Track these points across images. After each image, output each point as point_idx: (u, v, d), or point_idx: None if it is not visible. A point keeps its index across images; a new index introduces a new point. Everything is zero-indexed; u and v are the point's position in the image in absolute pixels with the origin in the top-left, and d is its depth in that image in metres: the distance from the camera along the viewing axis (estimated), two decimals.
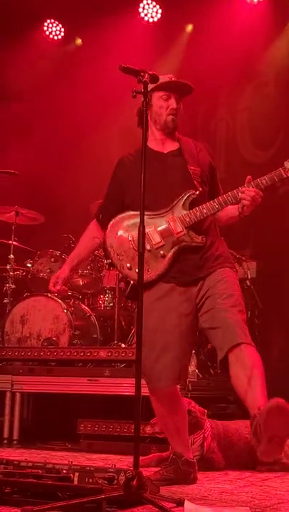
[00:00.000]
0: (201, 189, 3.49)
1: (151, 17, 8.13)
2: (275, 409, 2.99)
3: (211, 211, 3.44)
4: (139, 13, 8.12)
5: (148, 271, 3.48)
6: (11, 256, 6.50)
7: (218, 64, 7.70)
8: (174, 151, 3.65)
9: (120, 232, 3.55)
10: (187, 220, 3.44)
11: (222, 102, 7.69)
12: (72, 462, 2.98)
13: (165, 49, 7.99)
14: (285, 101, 7.49)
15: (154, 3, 8.09)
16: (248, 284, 6.57)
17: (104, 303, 6.53)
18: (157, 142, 3.67)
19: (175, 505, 2.89)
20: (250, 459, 4.38)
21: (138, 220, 3.17)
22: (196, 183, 3.51)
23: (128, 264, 3.53)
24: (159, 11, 8.10)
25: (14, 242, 6.58)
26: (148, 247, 3.43)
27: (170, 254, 3.46)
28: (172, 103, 3.60)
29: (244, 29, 7.61)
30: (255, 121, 7.67)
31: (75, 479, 2.87)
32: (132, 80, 3.20)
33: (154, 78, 3.31)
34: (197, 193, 3.47)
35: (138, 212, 3.12)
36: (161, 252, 3.48)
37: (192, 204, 3.47)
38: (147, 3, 8.11)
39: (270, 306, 6.90)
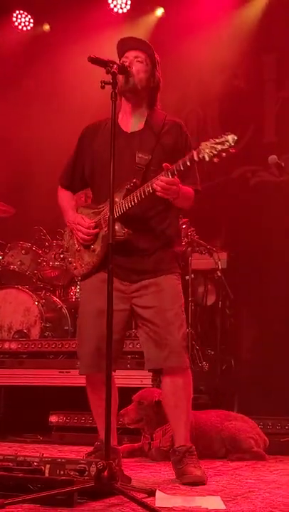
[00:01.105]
0: (135, 180, 3.34)
1: (121, 8, 8.08)
2: (191, 480, 3.31)
3: (132, 203, 3.31)
4: (109, 5, 8.07)
5: (81, 265, 3.54)
6: None
7: (188, 54, 7.70)
8: (138, 132, 3.53)
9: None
10: (107, 209, 3.36)
11: (192, 94, 7.68)
12: (43, 454, 2.97)
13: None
14: (255, 93, 7.52)
15: None
16: (219, 274, 6.59)
17: (75, 294, 6.50)
18: (124, 117, 3.57)
19: (146, 495, 2.90)
20: (221, 449, 4.43)
21: (87, 212, 3.50)
22: (138, 172, 3.39)
23: (70, 259, 3.62)
24: (128, 2, 8.05)
25: None
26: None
27: (99, 249, 3.45)
28: (124, 62, 3.43)
29: (214, 19, 7.60)
30: (226, 113, 7.69)
31: (46, 471, 2.86)
32: (102, 69, 3.19)
33: (122, 69, 3.31)
34: (131, 184, 3.33)
35: (88, 205, 3.49)
36: (92, 246, 3.49)
37: (129, 195, 3.35)
38: None
39: (241, 296, 6.93)
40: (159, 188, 3.22)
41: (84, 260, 3.52)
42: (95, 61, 3.17)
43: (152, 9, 8.00)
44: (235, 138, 3.04)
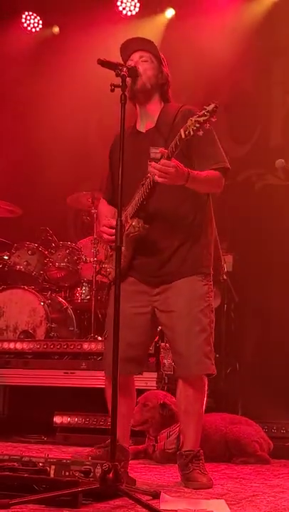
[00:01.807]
0: (149, 175, 3.27)
1: (130, 10, 8.10)
2: (197, 485, 3.31)
3: (142, 197, 3.30)
4: (117, 7, 8.08)
5: (112, 269, 3.51)
6: None
7: (196, 56, 7.71)
8: (151, 129, 3.52)
9: None
10: (129, 209, 3.37)
11: (200, 96, 7.69)
12: (48, 455, 2.98)
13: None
14: (262, 96, 7.52)
15: None
16: (225, 277, 6.59)
17: (81, 296, 6.53)
18: (140, 118, 3.57)
19: (151, 497, 2.90)
20: (226, 452, 4.42)
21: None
22: (154, 154, 3.29)
23: (106, 266, 3.64)
24: (137, 4, 8.07)
25: None
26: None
27: (124, 248, 3.37)
28: (130, 64, 3.43)
29: (221, 22, 7.61)
30: (233, 116, 7.69)
31: (52, 472, 2.87)
32: (112, 72, 3.20)
33: (132, 71, 3.32)
34: (146, 180, 3.30)
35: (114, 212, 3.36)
36: (122, 248, 3.48)
37: None
38: None
39: (246, 299, 6.93)
40: (156, 175, 3.15)
41: (114, 264, 3.46)
42: (105, 64, 3.18)
43: (161, 11, 8.00)
44: (216, 106, 3.01)
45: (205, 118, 3.01)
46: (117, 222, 2.98)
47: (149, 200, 3.33)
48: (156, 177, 3.16)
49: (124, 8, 8.08)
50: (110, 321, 3.49)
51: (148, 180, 3.26)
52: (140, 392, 4.56)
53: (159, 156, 3.19)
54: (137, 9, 8.07)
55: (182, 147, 3.21)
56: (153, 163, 3.15)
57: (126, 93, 3.12)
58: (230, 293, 6.68)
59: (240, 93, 7.70)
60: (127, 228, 3.31)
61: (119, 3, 8.06)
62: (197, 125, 3.02)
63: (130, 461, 3.88)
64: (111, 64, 3.19)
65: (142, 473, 3.79)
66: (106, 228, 3.45)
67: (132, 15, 8.09)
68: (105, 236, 3.48)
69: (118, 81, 3.12)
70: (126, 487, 2.73)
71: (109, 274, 3.59)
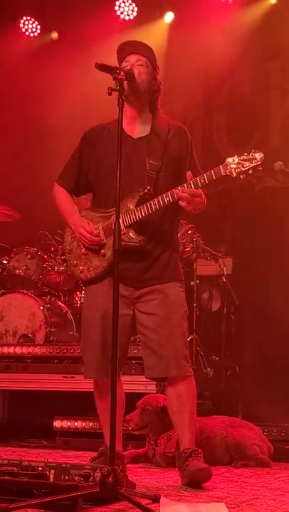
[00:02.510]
0: (149, 187, 3.36)
1: (127, 15, 8.11)
2: (198, 471, 3.34)
3: (148, 212, 3.34)
4: (116, 11, 8.10)
5: (89, 269, 3.54)
6: None
7: (194, 60, 7.72)
8: (144, 137, 3.53)
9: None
10: (127, 219, 3.38)
11: (199, 100, 7.70)
12: (47, 459, 2.98)
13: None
14: (260, 100, 7.53)
15: (129, 1, 8.07)
16: (224, 280, 6.60)
17: (80, 300, 6.51)
18: (128, 120, 3.54)
19: (151, 501, 2.90)
20: (226, 455, 4.42)
21: (92, 216, 3.51)
22: (150, 179, 3.40)
23: (75, 262, 3.61)
24: (135, 8, 8.09)
25: None
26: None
27: (109, 253, 3.44)
28: (126, 66, 3.44)
29: (219, 26, 7.63)
30: (232, 119, 7.70)
31: (51, 476, 2.87)
32: (109, 76, 3.21)
33: (129, 75, 3.33)
34: (145, 191, 3.36)
35: (92, 209, 3.53)
36: (103, 250, 3.49)
37: (142, 202, 3.36)
38: (123, 2, 8.09)
39: (245, 302, 6.93)
40: (183, 198, 3.23)
41: (92, 264, 3.52)
42: (103, 68, 3.20)
43: (160, 15, 8.01)
44: (262, 156, 3.10)
45: (250, 165, 3.11)
46: (115, 226, 3.01)
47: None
48: (181, 202, 3.23)
49: (122, 13, 8.10)
50: (88, 323, 3.55)
51: (164, 198, 3.30)
52: (140, 395, 4.57)
53: (156, 169, 3.29)
54: (134, 13, 8.09)
55: (177, 167, 3.34)
56: (185, 188, 3.22)
57: (123, 97, 3.12)
58: (230, 296, 6.69)
59: (238, 96, 7.72)
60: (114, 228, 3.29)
61: (117, 8, 8.08)
62: (242, 169, 3.12)
63: (130, 465, 3.88)
64: (108, 68, 3.21)
65: (142, 477, 3.78)
66: (86, 233, 3.48)
67: (129, 19, 8.11)
68: (84, 240, 3.50)
69: (115, 84, 3.13)
70: (126, 491, 2.73)
71: (81, 272, 3.58)
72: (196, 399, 3.59)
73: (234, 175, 3.12)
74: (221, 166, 3.16)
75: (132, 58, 3.49)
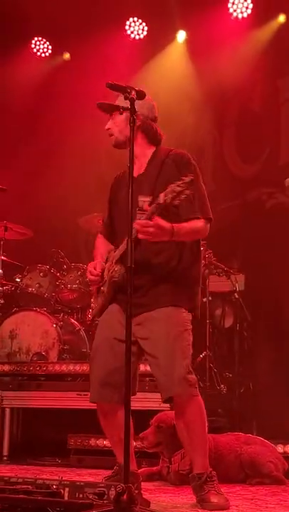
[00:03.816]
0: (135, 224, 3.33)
1: (138, 34, 8.20)
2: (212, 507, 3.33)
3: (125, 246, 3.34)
4: (126, 31, 8.18)
5: (95, 307, 3.71)
6: (0, 271, 6.50)
7: (205, 78, 7.78)
8: (141, 174, 3.57)
9: None
10: (116, 254, 3.48)
11: (209, 116, 7.74)
12: (62, 477, 2.97)
13: (152, 64, 8.06)
14: (270, 116, 7.56)
15: (139, 20, 8.16)
16: (237, 296, 6.60)
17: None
18: (136, 161, 3.57)
19: None
20: (241, 472, 4.39)
21: (112, 256, 3.56)
22: (141, 216, 3.32)
23: (92, 301, 3.81)
24: (145, 28, 8.17)
25: (3, 257, 6.58)
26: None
27: (106, 289, 3.55)
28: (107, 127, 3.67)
29: (229, 44, 7.69)
30: (242, 135, 7.74)
31: (66, 494, 2.87)
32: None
33: (140, 95, 3.34)
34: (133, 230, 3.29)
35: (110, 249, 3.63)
36: (102, 288, 3.60)
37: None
38: (133, 21, 8.17)
39: (258, 318, 6.92)
40: (138, 230, 3.21)
41: (98, 302, 3.67)
42: (114, 87, 3.22)
43: (170, 34, 8.07)
44: (191, 178, 3.15)
45: (180, 189, 3.13)
46: (127, 243, 3.04)
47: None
48: (138, 235, 3.23)
49: (132, 32, 8.18)
50: (93, 350, 3.63)
51: (134, 230, 3.28)
52: (153, 413, 4.56)
53: (146, 205, 3.27)
54: (145, 32, 8.18)
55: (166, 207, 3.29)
56: (137, 221, 3.22)
57: (134, 116, 3.15)
58: (243, 312, 6.67)
59: (248, 113, 7.76)
60: (110, 272, 3.48)
61: (127, 27, 8.16)
62: (174, 194, 3.13)
63: (144, 483, 3.87)
64: (120, 87, 3.23)
65: (157, 495, 3.77)
66: (88, 274, 3.65)
67: (140, 38, 8.19)
68: (87, 279, 3.71)
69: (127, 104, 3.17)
70: (140, 509, 2.72)
71: (92, 310, 3.79)
72: (209, 416, 3.56)
73: (169, 201, 3.14)
74: (161, 195, 3.16)
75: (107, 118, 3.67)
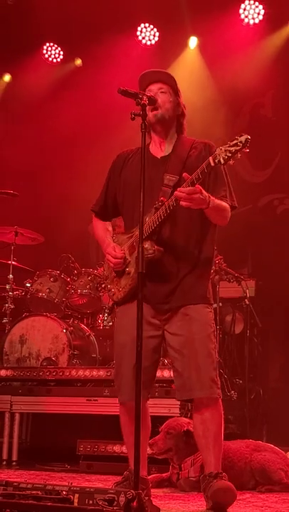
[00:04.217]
0: (162, 198, 3.37)
1: (149, 40, 8.22)
2: (221, 491, 3.28)
3: (159, 220, 3.35)
4: (137, 37, 8.21)
5: (118, 290, 3.59)
6: (10, 276, 6.51)
7: (216, 84, 7.79)
8: (165, 156, 3.59)
9: None
10: (135, 234, 3.43)
11: (219, 122, 7.75)
12: (72, 483, 2.97)
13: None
14: (281, 122, 7.55)
15: (151, 26, 8.18)
16: (247, 302, 6.58)
17: (103, 322, 6.53)
18: (155, 145, 3.65)
19: None
20: (251, 480, 4.36)
21: (122, 238, 3.54)
22: (166, 192, 3.42)
23: (109, 286, 3.68)
24: (157, 34, 8.19)
25: (13, 262, 6.59)
26: None
27: (133, 270, 3.47)
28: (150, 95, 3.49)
29: (241, 49, 7.70)
30: (253, 141, 7.72)
31: (75, 501, 2.86)
32: (131, 101, 3.25)
33: (152, 101, 3.37)
34: (159, 203, 3.37)
35: (123, 233, 3.56)
36: (127, 269, 3.53)
37: None
38: (145, 27, 8.20)
39: (269, 324, 6.91)
40: (181, 198, 3.21)
41: (121, 284, 3.56)
42: (125, 93, 3.24)
43: (182, 40, 8.08)
44: (248, 137, 3.09)
45: (237, 148, 3.09)
46: (138, 249, 3.04)
47: (163, 225, 3.39)
48: (182, 201, 3.21)
49: (143, 38, 8.21)
50: (120, 347, 3.57)
51: (166, 204, 3.33)
52: (163, 419, 4.54)
53: (172, 183, 3.28)
54: (156, 38, 8.19)
55: (199, 180, 3.27)
56: (182, 188, 3.20)
57: (146, 122, 3.16)
58: (253, 318, 6.66)
59: (259, 118, 7.75)
60: (138, 251, 3.32)
61: (138, 33, 8.18)
62: (229, 154, 3.09)
63: (154, 490, 3.85)
64: (131, 93, 3.25)
65: (166, 502, 3.75)
66: (111, 258, 3.55)
67: (151, 44, 8.21)
68: (110, 264, 3.58)
69: (138, 109, 3.17)
70: None
71: (113, 295, 3.64)
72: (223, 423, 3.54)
73: (222, 162, 3.10)
74: (210, 158, 3.16)
75: (154, 87, 3.56)
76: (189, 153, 3.54)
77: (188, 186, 3.21)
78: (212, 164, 3.14)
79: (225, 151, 3.09)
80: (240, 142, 3.08)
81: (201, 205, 3.26)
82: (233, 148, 3.08)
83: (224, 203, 3.45)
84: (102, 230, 3.80)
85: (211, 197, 3.30)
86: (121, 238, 3.63)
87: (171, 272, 3.44)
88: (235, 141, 3.09)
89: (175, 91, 3.60)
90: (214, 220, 3.47)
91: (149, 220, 3.38)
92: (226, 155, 3.09)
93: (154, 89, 3.54)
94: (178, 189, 3.22)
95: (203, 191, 3.24)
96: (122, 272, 3.55)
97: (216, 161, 3.12)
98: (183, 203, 3.22)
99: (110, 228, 3.82)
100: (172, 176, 3.46)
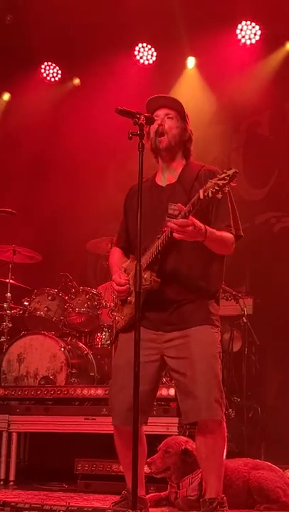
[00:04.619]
0: (164, 229, 3.34)
1: (146, 60, 8.28)
2: None
3: (157, 250, 3.35)
4: (135, 56, 8.27)
5: (122, 318, 3.59)
6: (8, 294, 6.52)
7: (212, 103, 7.85)
8: (171, 184, 3.58)
9: None
10: (143, 262, 3.38)
11: (217, 141, 7.79)
12: (69, 503, 2.96)
13: (161, 90, 8.13)
14: (278, 140, 7.60)
15: (148, 46, 8.25)
16: (245, 320, 6.59)
17: (101, 341, 6.52)
18: (160, 172, 3.64)
19: None
20: (249, 498, 4.34)
21: (132, 266, 3.42)
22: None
23: (115, 314, 3.68)
24: (154, 53, 8.25)
25: (11, 281, 6.60)
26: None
27: (134, 300, 3.41)
28: (157, 122, 3.51)
29: (238, 69, 7.77)
30: (250, 159, 7.77)
31: None
32: (129, 120, 3.27)
33: (149, 120, 3.39)
34: (162, 233, 3.35)
35: (129, 259, 3.54)
36: (129, 298, 3.52)
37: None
38: (142, 47, 8.26)
39: (267, 342, 6.90)
40: (174, 230, 3.20)
41: (123, 313, 3.56)
42: (123, 113, 3.26)
43: (179, 60, 8.14)
44: (236, 171, 3.09)
45: (224, 182, 3.08)
46: (136, 268, 3.04)
47: (163, 254, 3.38)
48: (174, 233, 3.22)
49: (141, 57, 8.27)
50: (116, 370, 3.58)
51: (164, 234, 3.33)
52: (161, 437, 4.53)
53: (176, 212, 3.27)
54: (154, 58, 8.26)
55: (201, 205, 3.27)
56: (173, 219, 3.20)
57: (143, 141, 3.19)
58: (251, 336, 6.66)
59: (256, 137, 7.80)
60: (135, 270, 3.31)
61: (136, 53, 8.25)
62: (216, 188, 3.09)
63: (152, 509, 3.83)
64: (129, 112, 3.27)
65: None
66: (114, 284, 3.55)
67: (149, 63, 8.27)
68: (115, 291, 3.58)
69: (136, 129, 3.19)
70: None
71: (117, 323, 3.65)
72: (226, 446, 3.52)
73: (210, 195, 3.10)
74: (200, 191, 3.15)
75: (162, 112, 3.57)
76: (194, 183, 3.52)
77: (181, 218, 3.20)
78: (201, 197, 3.13)
79: (214, 184, 3.10)
80: (228, 176, 3.08)
81: (195, 238, 3.25)
82: (221, 182, 3.09)
83: (226, 234, 3.42)
84: (117, 257, 3.77)
85: (209, 229, 3.29)
86: (130, 266, 3.60)
87: (172, 300, 3.43)
88: (223, 175, 3.09)
89: (182, 116, 3.60)
90: (216, 250, 3.45)
91: (151, 251, 3.38)
92: (214, 188, 3.09)
93: (160, 114, 3.56)
94: (172, 221, 3.20)
95: (197, 223, 3.21)
96: (125, 300, 3.55)
97: (205, 194, 3.12)
98: (176, 235, 3.21)
99: (122, 261, 3.75)
100: (175, 205, 3.40)
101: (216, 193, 3.09)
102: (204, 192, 3.12)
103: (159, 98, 3.61)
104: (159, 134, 3.48)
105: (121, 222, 3.81)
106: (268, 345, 6.91)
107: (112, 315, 3.76)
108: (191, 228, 3.20)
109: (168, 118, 3.56)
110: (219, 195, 3.10)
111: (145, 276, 3.34)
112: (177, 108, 3.59)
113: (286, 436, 6.18)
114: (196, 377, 3.36)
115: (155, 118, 3.49)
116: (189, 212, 3.20)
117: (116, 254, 3.80)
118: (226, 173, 3.09)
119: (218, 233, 3.37)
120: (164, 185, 3.60)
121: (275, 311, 7.03)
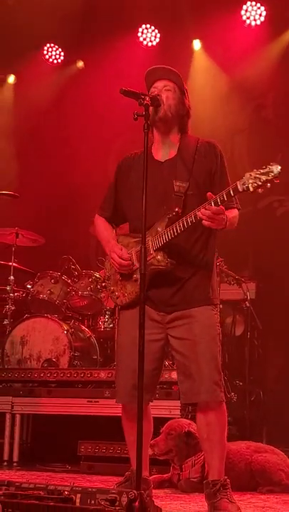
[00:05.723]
0: (177, 209, 3.34)
1: (150, 41, 8.23)
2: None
3: (174, 233, 3.31)
4: (138, 38, 8.21)
5: (124, 295, 3.55)
6: (11, 277, 6.50)
7: (216, 84, 7.81)
8: (171, 159, 3.53)
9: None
10: (155, 242, 3.37)
11: (220, 123, 7.75)
12: (74, 483, 2.97)
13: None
14: (282, 123, 7.56)
15: (152, 27, 8.19)
16: (248, 305, 6.59)
17: (104, 324, 6.53)
18: (157, 146, 3.59)
19: None
20: (251, 481, 4.37)
21: (128, 241, 3.46)
22: (178, 201, 3.39)
23: (112, 288, 3.62)
24: (158, 35, 8.20)
25: (14, 264, 6.58)
26: None
27: (138, 277, 3.36)
28: (153, 92, 3.47)
29: (243, 51, 7.71)
30: (253, 143, 7.73)
31: (77, 500, 2.86)
32: (133, 102, 3.25)
33: (154, 101, 3.36)
34: (173, 213, 3.34)
35: (128, 235, 3.50)
36: (135, 275, 3.48)
37: (171, 224, 3.34)
38: (146, 28, 8.21)
39: (269, 327, 6.91)
40: (205, 217, 3.18)
41: (127, 290, 3.53)
42: (128, 93, 3.23)
43: (183, 41, 8.07)
44: (279, 168, 3.02)
45: (268, 178, 3.03)
46: (141, 250, 3.04)
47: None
48: (204, 221, 3.19)
49: (144, 39, 8.21)
50: (120, 349, 3.58)
51: (185, 219, 3.27)
52: (164, 420, 4.55)
53: (184, 190, 3.25)
54: (157, 39, 8.20)
55: (207, 185, 3.28)
56: (207, 206, 3.15)
57: (151, 122, 3.15)
58: (254, 320, 6.67)
59: (260, 120, 7.76)
60: (148, 259, 3.32)
61: (139, 34, 8.19)
62: (259, 182, 3.03)
63: (155, 490, 3.85)
64: (133, 93, 3.24)
65: (167, 503, 3.76)
66: (116, 258, 3.49)
67: (152, 45, 8.21)
68: (116, 265, 3.52)
69: (141, 110, 3.17)
70: None
71: (117, 298, 3.60)
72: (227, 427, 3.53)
73: (251, 190, 3.04)
74: (238, 182, 3.10)
75: (160, 84, 3.53)
76: (195, 157, 3.49)
77: (212, 206, 3.16)
78: (240, 190, 3.07)
79: (255, 178, 3.03)
80: (272, 172, 3.01)
81: (219, 226, 3.25)
82: (264, 177, 3.02)
83: (236, 214, 3.43)
84: (107, 229, 3.72)
85: (228, 216, 3.28)
86: (126, 240, 3.58)
87: (176, 276, 3.42)
88: (266, 170, 3.02)
89: (181, 90, 3.56)
90: (228, 228, 3.40)
91: (163, 232, 3.34)
92: (255, 182, 3.02)
93: (159, 86, 3.52)
94: (203, 208, 3.16)
95: (225, 213, 3.22)
96: (128, 276, 3.51)
97: (245, 187, 3.05)
98: (205, 223, 3.19)
99: (114, 232, 3.75)
100: (182, 183, 3.41)
101: (257, 187, 3.03)
102: (243, 184, 3.06)
103: (158, 69, 3.57)
104: (156, 103, 3.40)
105: (108, 190, 3.75)
106: (270, 329, 6.92)
107: (104, 286, 3.71)
108: (221, 216, 3.20)
109: (166, 90, 3.51)
110: (260, 191, 3.05)
111: (159, 257, 3.34)
112: (176, 81, 3.55)
113: (288, 419, 6.20)
114: (196, 359, 3.37)
115: (153, 90, 3.48)
116: (222, 202, 3.16)
117: (103, 224, 3.74)
118: (269, 168, 3.03)
119: (230, 215, 3.36)
120: (162, 160, 3.55)
121: (277, 296, 7.03)
